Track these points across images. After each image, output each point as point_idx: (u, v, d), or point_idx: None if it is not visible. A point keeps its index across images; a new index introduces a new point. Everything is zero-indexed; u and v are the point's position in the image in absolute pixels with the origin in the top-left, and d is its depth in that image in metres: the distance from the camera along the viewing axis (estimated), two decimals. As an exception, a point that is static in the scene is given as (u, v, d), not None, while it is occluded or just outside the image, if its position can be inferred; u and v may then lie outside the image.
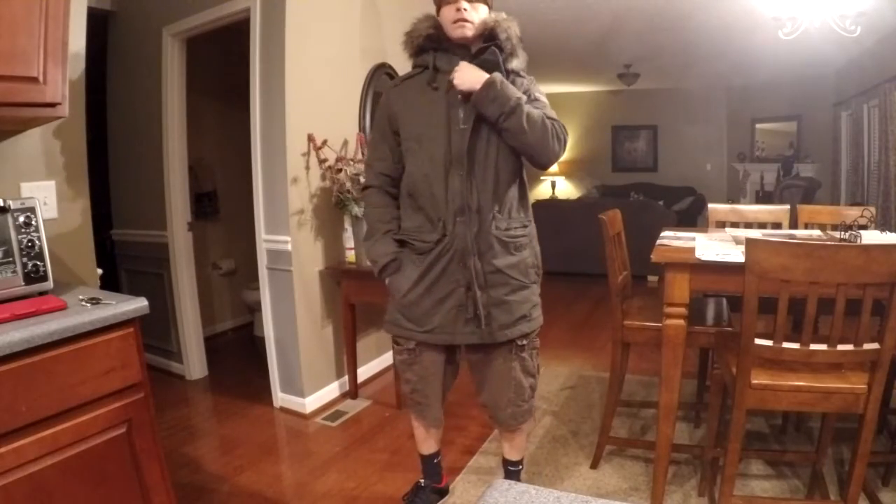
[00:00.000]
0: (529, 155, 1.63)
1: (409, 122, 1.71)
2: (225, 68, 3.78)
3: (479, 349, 1.75)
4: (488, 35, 1.65)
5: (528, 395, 1.79)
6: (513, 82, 1.65)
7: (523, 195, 1.75)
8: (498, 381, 1.76)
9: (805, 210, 2.54)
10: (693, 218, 6.87)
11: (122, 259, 3.66)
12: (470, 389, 1.92)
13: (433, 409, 1.85)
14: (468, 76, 1.58)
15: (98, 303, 1.35)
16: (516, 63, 1.67)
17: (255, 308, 3.96)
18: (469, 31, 1.62)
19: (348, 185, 2.74)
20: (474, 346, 1.74)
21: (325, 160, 2.81)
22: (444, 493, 2.07)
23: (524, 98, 1.59)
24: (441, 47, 1.68)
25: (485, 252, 1.64)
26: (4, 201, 1.36)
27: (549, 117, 1.61)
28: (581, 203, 6.98)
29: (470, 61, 1.62)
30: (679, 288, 1.77)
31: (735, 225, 2.58)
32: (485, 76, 1.57)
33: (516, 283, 1.68)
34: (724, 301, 2.36)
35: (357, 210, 2.75)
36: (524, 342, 1.74)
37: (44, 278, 1.41)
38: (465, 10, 1.59)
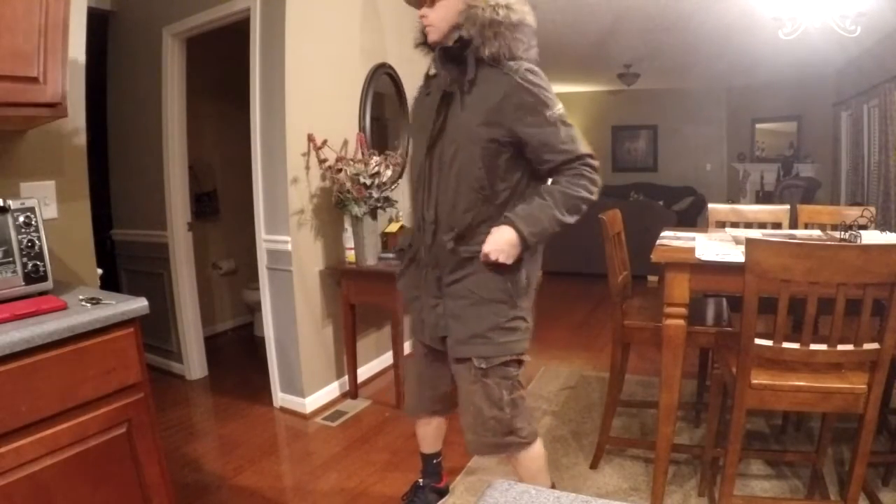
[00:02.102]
0: None
1: (409, 130, 1.75)
2: (225, 68, 3.78)
3: (453, 359, 1.67)
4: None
5: (491, 427, 1.58)
6: (488, 74, 1.49)
7: (500, 213, 1.54)
8: (462, 400, 1.65)
9: (805, 210, 2.54)
10: (693, 218, 6.86)
11: (122, 259, 3.66)
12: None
13: (412, 397, 1.91)
14: (498, 248, 1.47)
15: (98, 303, 1.35)
16: (491, 50, 1.46)
17: (255, 308, 3.96)
18: (435, 35, 1.57)
19: (348, 185, 2.73)
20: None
21: (325, 160, 2.81)
22: (443, 493, 2.07)
23: (551, 210, 1.48)
24: (432, 49, 1.63)
25: (443, 265, 1.59)
26: (4, 201, 1.36)
27: (569, 153, 1.48)
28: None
29: (443, 61, 1.52)
30: (679, 288, 1.77)
31: (735, 225, 2.58)
32: (508, 237, 1.47)
33: (475, 297, 1.55)
34: (724, 301, 2.36)
35: (357, 210, 2.75)
36: (484, 365, 1.56)
37: (44, 278, 1.41)
38: (424, 16, 1.56)
